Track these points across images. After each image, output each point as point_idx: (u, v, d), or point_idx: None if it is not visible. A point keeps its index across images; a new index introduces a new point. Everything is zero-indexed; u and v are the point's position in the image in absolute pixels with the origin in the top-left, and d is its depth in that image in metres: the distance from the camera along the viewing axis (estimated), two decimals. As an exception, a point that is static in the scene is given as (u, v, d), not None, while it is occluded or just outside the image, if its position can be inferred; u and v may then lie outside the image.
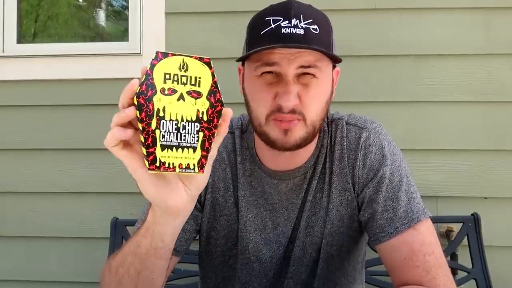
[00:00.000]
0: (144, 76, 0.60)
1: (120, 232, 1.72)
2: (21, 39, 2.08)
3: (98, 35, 2.28)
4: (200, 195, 1.01)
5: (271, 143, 0.91)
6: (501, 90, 1.83)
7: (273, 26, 0.87)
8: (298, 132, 0.89)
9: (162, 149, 0.61)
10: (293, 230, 1.02)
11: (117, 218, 1.74)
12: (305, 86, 0.88)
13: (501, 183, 1.83)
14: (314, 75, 0.88)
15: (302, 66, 0.87)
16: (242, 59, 0.94)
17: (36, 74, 1.95)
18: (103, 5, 2.25)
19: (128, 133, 0.61)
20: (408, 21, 1.86)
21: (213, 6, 1.90)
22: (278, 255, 1.03)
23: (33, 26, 2.20)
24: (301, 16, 0.87)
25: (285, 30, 0.86)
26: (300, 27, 0.86)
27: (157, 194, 0.67)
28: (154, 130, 0.60)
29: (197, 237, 1.08)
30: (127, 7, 2.03)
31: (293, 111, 0.87)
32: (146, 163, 0.61)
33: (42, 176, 1.94)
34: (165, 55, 0.62)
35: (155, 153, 0.61)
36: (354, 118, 1.03)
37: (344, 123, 1.01)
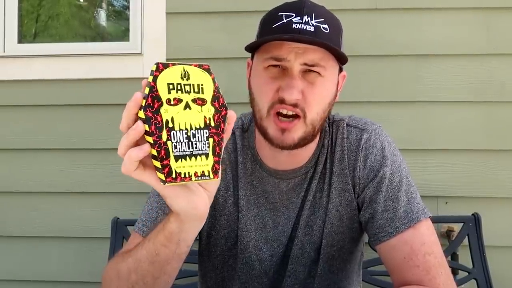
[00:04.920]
0: (148, 88, 0.60)
1: (120, 232, 1.72)
2: (21, 39, 2.08)
3: (99, 35, 2.29)
4: None
5: (269, 140, 0.92)
6: (501, 90, 1.83)
7: (285, 20, 0.89)
8: (297, 131, 0.90)
9: (176, 160, 0.61)
10: (293, 229, 1.02)
11: (118, 218, 1.74)
12: (310, 83, 0.89)
13: (501, 183, 1.83)
14: (319, 73, 0.88)
15: (306, 64, 0.88)
16: (252, 48, 0.94)
17: (36, 74, 1.95)
18: (104, 5, 2.25)
19: (145, 148, 0.60)
20: (408, 21, 1.86)
21: (214, 6, 1.91)
22: (278, 253, 1.03)
23: (33, 26, 2.21)
24: (313, 14, 0.88)
25: (296, 26, 0.87)
26: (311, 24, 0.87)
27: (188, 203, 0.68)
28: (166, 141, 0.60)
29: (196, 237, 1.08)
30: (127, 7, 2.03)
31: (295, 105, 0.88)
32: (162, 176, 0.60)
33: (42, 176, 1.94)
34: (166, 65, 0.62)
35: (169, 164, 0.60)
36: (355, 120, 1.03)
37: (345, 125, 1.02)
